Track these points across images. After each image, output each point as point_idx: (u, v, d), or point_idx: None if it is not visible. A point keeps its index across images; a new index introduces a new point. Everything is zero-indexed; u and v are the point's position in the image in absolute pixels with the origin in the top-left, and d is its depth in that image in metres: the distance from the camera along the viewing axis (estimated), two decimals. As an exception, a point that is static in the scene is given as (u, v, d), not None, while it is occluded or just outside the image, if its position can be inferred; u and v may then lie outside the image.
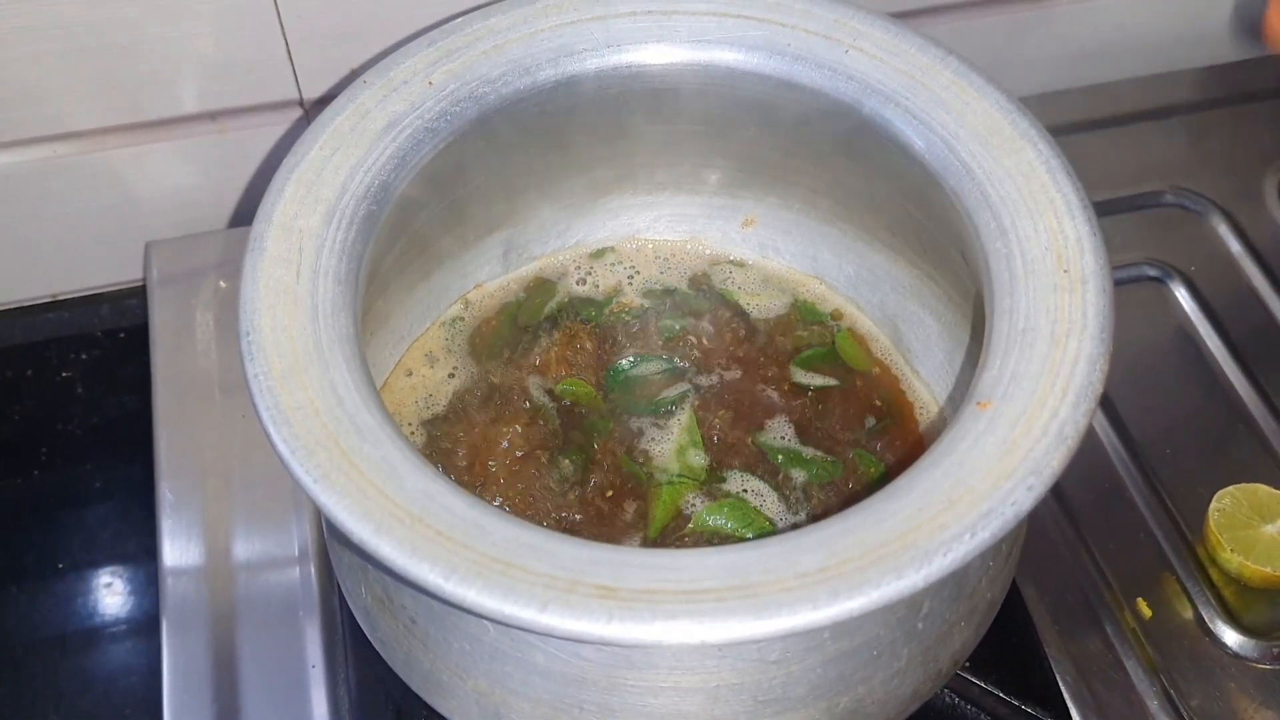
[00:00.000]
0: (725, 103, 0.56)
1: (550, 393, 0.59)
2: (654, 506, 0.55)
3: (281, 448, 0.41)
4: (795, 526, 0.54)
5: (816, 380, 0.60)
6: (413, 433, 0.57)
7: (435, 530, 0.39)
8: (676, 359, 0.60)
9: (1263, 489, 0.62)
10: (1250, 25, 0.84)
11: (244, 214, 0.74)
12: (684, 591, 0.38)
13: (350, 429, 0.42)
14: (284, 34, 0.66)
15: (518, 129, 0.54)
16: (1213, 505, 0.62)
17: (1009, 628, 0.57)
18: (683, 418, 0.58)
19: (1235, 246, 0.74)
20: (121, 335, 0.76)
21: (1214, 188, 0.76)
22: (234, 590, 0.61)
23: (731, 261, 0.64)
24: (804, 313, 0.62)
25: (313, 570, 0.61)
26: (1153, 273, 0.72)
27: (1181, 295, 0.71)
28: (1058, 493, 0.64)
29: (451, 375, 0.60)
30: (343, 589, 0.53)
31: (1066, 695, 0.57)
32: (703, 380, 0.59)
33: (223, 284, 0.71)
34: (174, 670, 0.58)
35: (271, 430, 0.41)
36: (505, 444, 0.56)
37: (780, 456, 0.57)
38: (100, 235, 0.73)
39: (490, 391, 0.58)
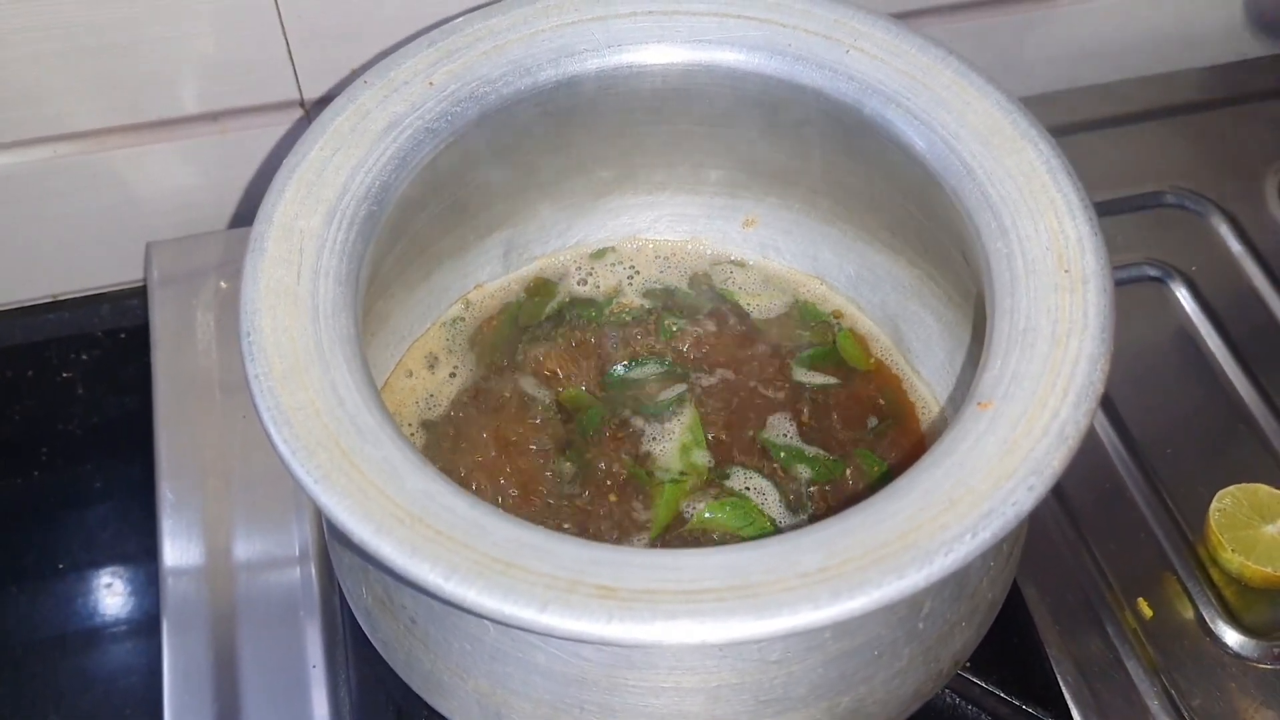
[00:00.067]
0: (726, 103, 0.56)
1: (551, 393, 0.59)
2: (656, 505, 0.55)
3: (282, 448, 0.41)
4: (797, 525, 0.54)
5: (817, 379, 0.60)
6: (413, 433, 0.57)
7: (436, 530, 0.39)
8: (677, 359, 0.60)
9: (1263, 489, 0.62)
10: (1256, 22, 0.84)
11: (245, 214, 0.74)
12: (685, 591, 0.38)
13: (351, 429, 0.42)
14: (285, 34, 0.66)
15: (518, 129, 0.55)
16: (1213, 505, 0.62)
17: (1010, 628, 0.57)
18: (684, 417, 0.58)
19: (1236, 246, 0.74)
20: (122, 335, 0.76)
21: (1215, 188, 0.76)
22: (234, 590, 0.61)
23: (732, 261, 0.64)
24: (804, 313, 0.62)
25: (313, 570, 0.61)
26: (1153, 273, 0.72)
27: (1182, 295, 0.71)
28: (1058, 493, 0.64)
29: (452, 376, 0.60)
30: (343, 589, 0.53)
31: (1067, 695, 0.57)
32: (704, 380, 0.59)
33: (223, 284, 0.71)
34: (174, 670, 0.58)
35: (272, 430, 0.41)
36: (506, 444, 0.56)
37: (783, 454, 0.57)
38: (101, 235, 0.73)
39: (491, 392, 0.58)
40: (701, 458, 0.57)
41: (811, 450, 0.57)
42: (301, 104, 0.70)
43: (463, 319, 0.62)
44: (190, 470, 0.65)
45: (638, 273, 0.64)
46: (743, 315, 0.62)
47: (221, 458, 0.65)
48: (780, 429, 0.58)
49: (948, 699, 0.56)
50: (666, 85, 0.55)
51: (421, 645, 0.47)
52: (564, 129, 0.56)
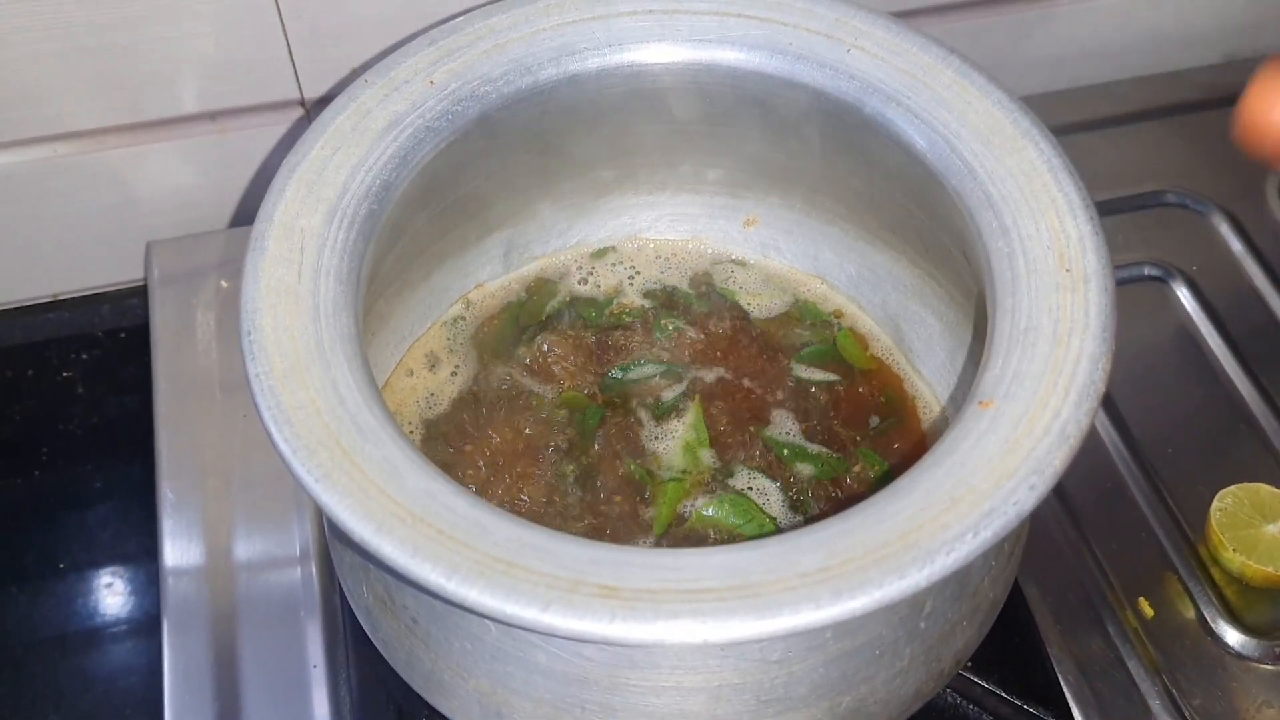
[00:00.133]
0: (727, 102, 0.56)
1: (552, 392, 0.59)
2: (659, 503, 0.55)
3: (283, 447, 0.41)
4: (799, 524, 0.54)
5: (818, 375, 0.60)
6: (414, 432, 0.57)
7: (437, 530, 0.39)
8: (678, 358, 0.60)
9: (1264, 488, 0.62)
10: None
11: (245, 214, 0.74)
12: (686, 591, 0.38)
13: (352, 428, 0.42)
14: (285, 33, 0.66)
15: (519, 128, 0.54)
16: (1214, 505, 0.62)
17: (1011, 627, 0.57)
18: (687, 416, 0.58)
19: (1237, 246, 0.74)
20: (122, 335, 0.76)
21: (1215, 187, 0.76)
22: (235, 590, 0.61)
23: (733, 261, 0.64)
24: (805, 312, 0.62)
25: (314, 570, 0.61)
26: (1154, 272, 0.72)
27: (1183, 295, 0.71)
28: (1059, 492, 0.64)
29: (453, 375, 0.60)
30: (344, 589, 0.53)
31: (1069, 695, 0.57)
32: (705, 379, 0.59)
33: (224, 284, 0.71)
34: (175, 670, 0.58)
35: (273, 430, 0.41)
36: (507, 443, 0.56)
37: (785, 451, 0.57)
38: (101, 235, 0.73)
39: (492, 391, 0.58)
40: (706, 456, 0.57)
41: (814, 448, 0.57)
42: (302, 103, 0.70)
43: (463, 318, 0.62)
44: (191, 470, 0.65)
45: (638, 272, 0.64)
46: (743, 315, 0.62)
47: (222, 457, 0.65)
48: (783, 427, 0.58)
49: (949, 698, 0.56)
50: (667, 84, 0.55)
51: (422, 645, 0.47)
52: (565, 128, 0.56)
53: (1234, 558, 0.60)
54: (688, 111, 0.57)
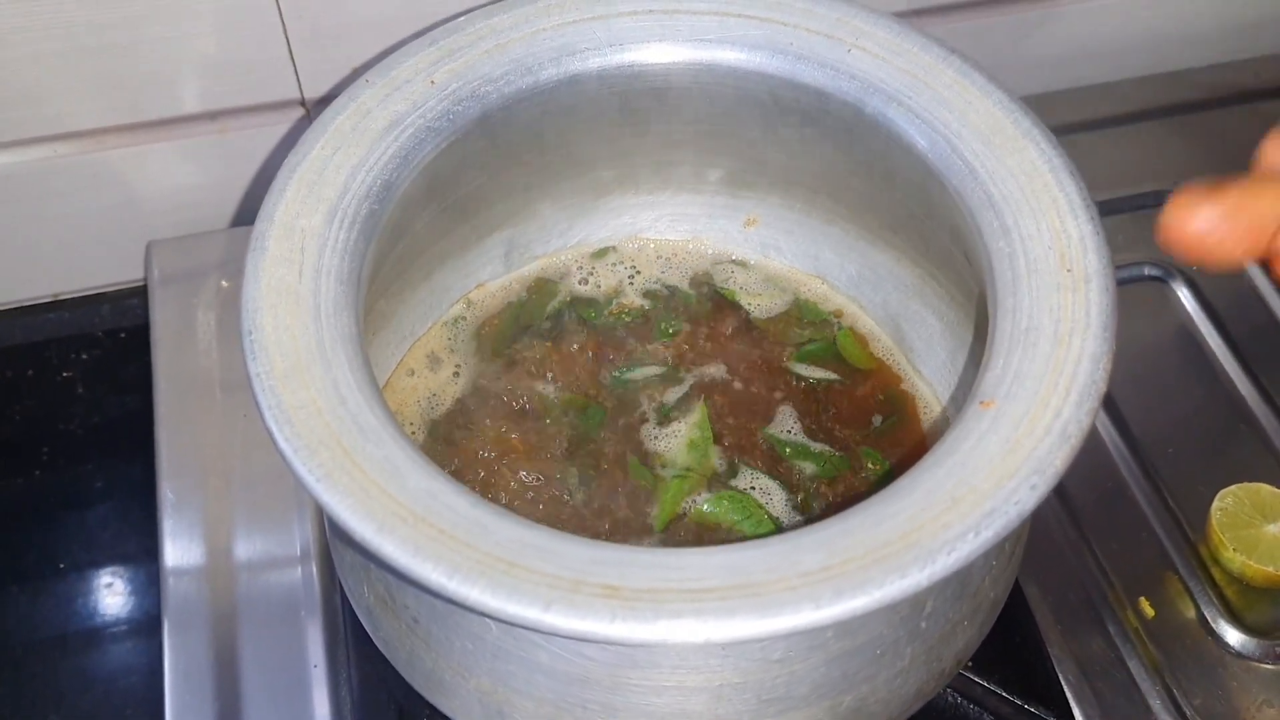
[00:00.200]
0: (727, 102, 0.56)
1: (554, 392, 0.59)
2: (662, 500, 0.55)
3: (284, 447, 0.41)
4: (801, 523, 0.54)
5: (818, 373, 0.60)
6: (415, 432, 0.57)
7: (438, 529, 0.39)
8: (678, 358, 0.60)
9: (1265, 488, 0.62)
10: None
11: (245, 214, 0.74)
12: (688, 591, 0.38)
13: (353, 428, 0.42)
14: (285, 33, 0.66)
15: (520, 128, 0.54)
16: (1215, 504, 0.62)
17: (1012, 627, 0.57)
18: (690, 415, 0.58)
19: (1237, 246, 0.73)
20: (122, 335, 0.76)
21: (1215, 188, 0.76)
22: (235, 590, 0.61)
23: (733, 261, 0.64)
24: (805, 312, 0.62)
25: (314, 570, 0.61)
26: (1155, 272, 0.72)
27: (1183, 295, 0.71)
28: (1060, 492, 0.64)
29: (454, 375, 0.60)
30: (345, 588, 0.53)
31: (1069, 694, 0.57)
32: (706, 378, 0.59)
33: (224, 283, 0.71)
34: (175, 670, 0.58)
35: (274, 429, 0.41)
36: (508, 443, 0.56)
37: (788, 449, 0.57)
38: (101, 235, 0.73)
39: (493, 391, 0.58)
40: (711, 454, 0.57)
41: (817, 446, 0.57)
42: (302, 103, 0.70)
43: (464, 318, 0.62)
44: (191, 470, 0.65)
45: (639, 272, 0.64)
46: (744, 315, 0.62)
47: (222, 457, 0.65)
48: (784, 425, 0.58)
49: (950, 698, 0.56)
50: (668, 84, 0.55)
51: (423, 644, 0.47)
52: (565, 128, 0.56)
53: (1234, 557, 0.60)
54: (688, 112, 0.57)
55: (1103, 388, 0.43)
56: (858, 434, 0.58)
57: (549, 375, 0.59)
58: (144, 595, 0.74)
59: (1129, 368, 0.66)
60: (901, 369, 0.61)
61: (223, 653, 0.59)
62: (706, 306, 0.62)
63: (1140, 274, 0.72)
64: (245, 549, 0.62)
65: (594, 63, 0.53)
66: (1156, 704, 0.57)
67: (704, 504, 0.55)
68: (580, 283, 0.63)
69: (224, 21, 0.65)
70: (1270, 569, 0.60)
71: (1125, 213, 0.74)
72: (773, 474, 0.56)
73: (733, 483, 0.56)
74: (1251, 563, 0.60)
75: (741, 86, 0.54)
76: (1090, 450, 0.60)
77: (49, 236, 0.72)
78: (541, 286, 0.63)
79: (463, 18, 0.54)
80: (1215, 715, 0.57)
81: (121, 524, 0.77)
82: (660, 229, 0.65)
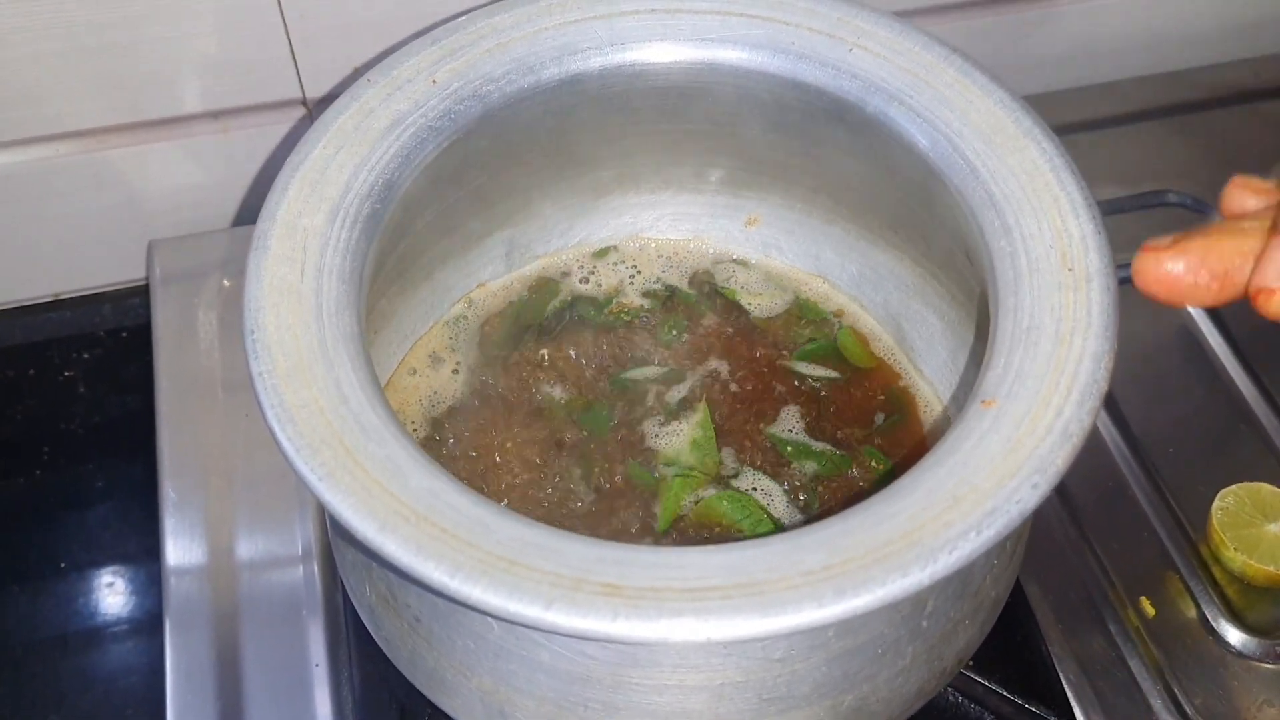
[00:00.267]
0: (729, 101, 0.56)
1: (555, 392, 0.59)
2: (664, 500, 0.55)
3: (286, 446, 0.41)
4: (802, 522, 0.54)
5: (818, 371, 0.60)
6: (416, 431, 0.57)
7: (440, 528, 0.39)
8: (680, 357, 0.60)
9: (1266, 488, 0.62)
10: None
11: (247, 213, 0.75)
12: (689, 589, 0.38)
13: (355, 427, 0.42)
14: (287, 33, 0.66)
15: (521, 128, 0.55)
16: (1216, 504, 0.62)
17: (1013, 626, 0.57)
18: (692, 414, 0.58)
19: (1237, 245, 0.73)
20: (124, 335, 0.76)
21: (1216, 188, 0.75)
22: (237, 589, 0.61)
23: (734, 260, 0.64)
24: (806, 311, 0.62)
25: (316, 569, 0.61)
26: (1155, 272, 0.72)
27: (1184, 294, 0.71)
28: (1061, 491, 0.64)
29: (455, 374, 0.60)
30: (346, 587, 0.53)
31: (1070, 694, 0.57)
32: (708, 377, 0.59)
33: (226, 283, 0.71)
34: (177, 669, 0.58)
35: (276, 428, 0.41)
36: (509, 442, 0.56)
37: (790, 448, 0.57)
38: (102, 235, 0.73)
39: (494, 390, 0.58)
40: (713, 454, 0.57)
41: (819, 445, 0.57)
42: (304, 103, 0.70)
43: (465, 318, 0.62)
44: (192, 469, 0.65)
45: (640, 272, 0.64)
46: (744, 314, 0.62)
47: (224, 456, 0.65)
48: (786, 425, 0.58)
49: (950, 697, 0.56)
50: (669, 84, 0.55)
51: (425, 643, 0.47)
52: (567, 127, 0.56)
53: (1235, 557, 0.60)
54: (689, 111, 0.57)
55: (1104, 387, 0.43)
56: (859, 433, 0.58)
57: (550, 375, 0.59)
58: (145, 595, 0.74)
59: (1130, 367, 0.66)
60: (903, 368, 0.61)
61: (224, 652, 0.59)
62: (707, 306, 0.62)
63: (1141, 274, 0.72)
64: (247, 548, 0.62)
65: (595, 62, 0.53)
66: (1157, 703, 0.57)
67: (706, 503, 0.55)
68: (581, 282, 0.63)
69: (225, 21, 0.65)
70: (1271, 568, 0.60)
71: (1126, 212, 0.74)
72: (774, 473, 0.56)
73: (735, 483, 0.56)
74: (1252, 562, 0.60)
75: (743, 86, 0.54)
76: (1091, 450, 0.60)
77: (50, 236, 0.72)
78: (543, 286, 0.63)
79: (464, 17, 0.54)
80: (1216, 715, 0.57)
81: (122, 524, 0.77)
82: (661, 228, 0.65)
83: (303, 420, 0.42)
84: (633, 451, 0.57)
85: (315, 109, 0.71)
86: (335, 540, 0.54)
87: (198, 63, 0.66)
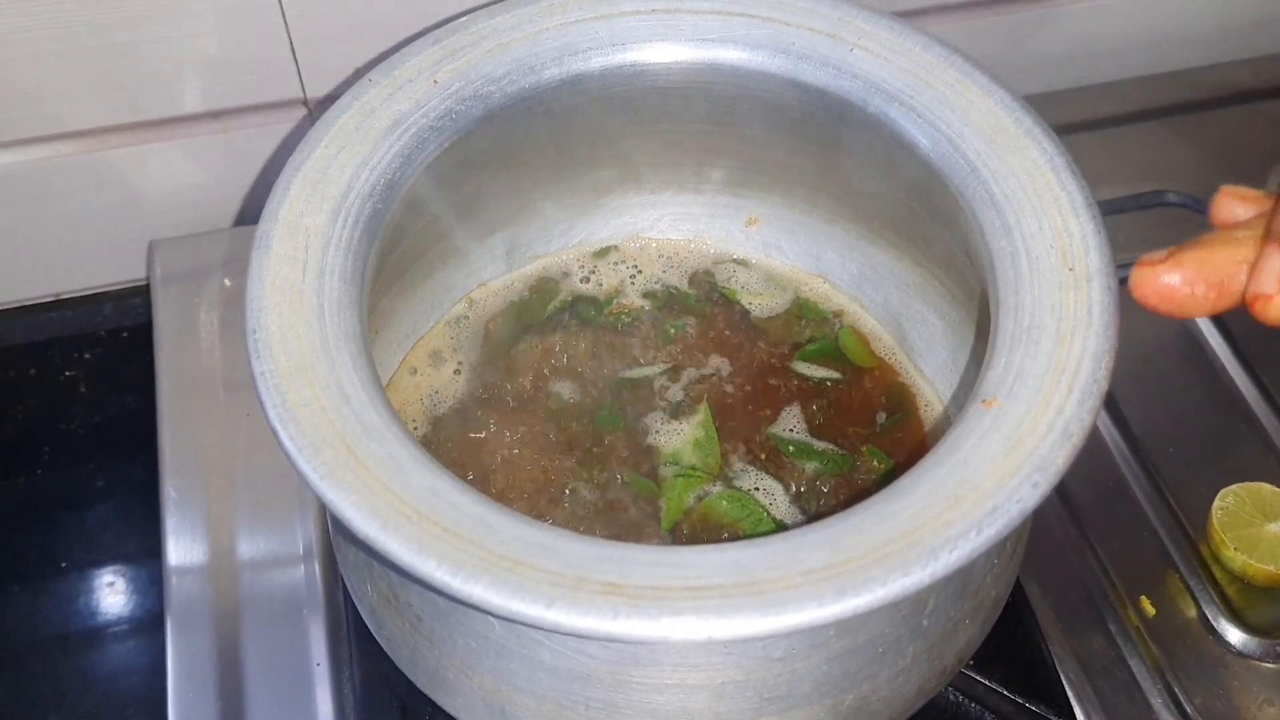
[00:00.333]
0: (729, 101, 0.56)
1: (555, 391, 0.59)
2: (667, 499, 0.55)
3: (288, 445, 0.41)
4: (804, 521, 0.54)
5: (819, 372, 0.60)
6: (417, 430, 0.57)
7: (442, 527, 0.39)
8: (681, 357, 0.60)
9: (1266, 488, 0.62)
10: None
11: (248, 213, 0.75)
12: (690, 588, 0.38)
13: (356, 426, 0.42)
14: (288, 33, 0.66)
15: (522, 128, 0.55)
16: (1216, 504, 0.62)
17: (1013, 625, 0.57)
18: (693, 415, 0.58)
19: (1237, 245, 0.74)
20: (124, 334, 0.76)
21: (1215, 187, 0.76)
22: (238, 588, 0.61)
23: (735, 260, 0.65)
24: (807, 311, 0.62)
25: (317, 568, 0.61)
26: (1155, 272, 0.72)
27: (1184, 294, 0.71)
28: (1061, 491, 0.64)
29: (456, 374, 0.60)
30: (348, 586, 0.53)
31: (1070, 693, 0.57)
32: (709, 377, 0.59)
33: (227, 283, 0.71)
34: (178, 669, 0.58)
35: (278, 427, 0.41)
36: (510, 442, 0.56)
37: (791, 448, 0.57)
38: (103, 234, 0.73)
39: (494, 390, 0.59)
40: (715, 453, 0.57)
41: (820, 445, 0.57)
42: (305, 103, 0.70)
43: (466, 317, 0.62)
44: (193, 469, 0.65)
45: (640, 272, 0.64)
46: (745, 314, 0.62)
47: (225, 456, 0.65)
48: (788, 424, 0.58)
49: (951, 696, 0.56)
50: (670, 84, 0.55)
51: (426, 642, 0.47)
52: (567, 127, 0.57)
53: (1235, 556, 0.60)
54: (690, 111, 0.57)
55: (1104, 386, 0.43)
56: (861, 432, 0.58)
57: (551, 374, 0.59)
58: (145, 595, 0.74)
59: (1130, 367, 0.66)
60: (903, 368, 0.61)
61: (225, 651, 0.59)
62: (708, 306, 0.62)
63: (1141, 274, 0.72)
64: (248, 548, 0.62)
65: (596, 62, 0.53)
66: (1157, 702, 0.57)
67: (707, 503, 0.55)
68: (582, 282, 0.63)
69: (226, 21, 0.65)
70: (1271, 568, 0.60)
71: (1126, 212, 0.74)
72: (776, 473, 0.56)
73: (736, 482, 0.56)
74: (1252, 562, 0.60)
75: (744, 86, 0.54)
76: (1091, 449, 0.60)
77: (51, 236, 0.72)
78: (543, 286, 0.63)
79: (465, 17, 0.54)
80: (1216, 714, 0.57)
81: (123, 523, 0.77)
82: (662, 228, 0.65)
83: (305, 419, 0.42)
84: (634, 451, 0.57)
85: (316, 109, 0.71)
86: (337, 539, 0.54)
87: (198, 63, 0.67)
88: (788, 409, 0.58)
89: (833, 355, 0.61)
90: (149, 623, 0.72)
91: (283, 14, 0.65)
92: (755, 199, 0.63)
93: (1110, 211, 0.73)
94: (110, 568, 0.75)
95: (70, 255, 0.74)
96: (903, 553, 0.39)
